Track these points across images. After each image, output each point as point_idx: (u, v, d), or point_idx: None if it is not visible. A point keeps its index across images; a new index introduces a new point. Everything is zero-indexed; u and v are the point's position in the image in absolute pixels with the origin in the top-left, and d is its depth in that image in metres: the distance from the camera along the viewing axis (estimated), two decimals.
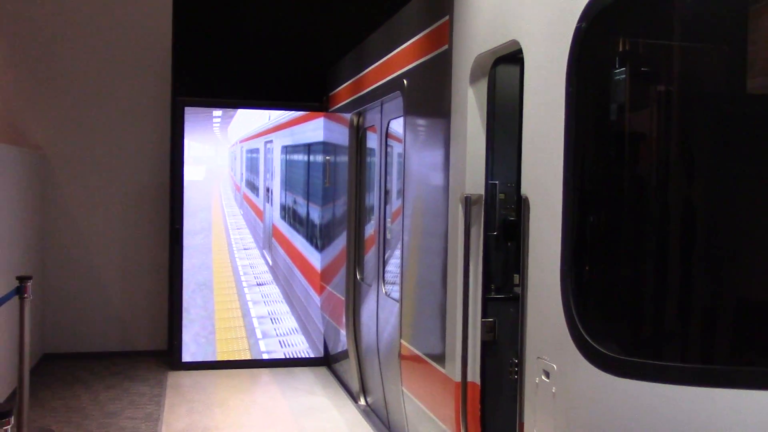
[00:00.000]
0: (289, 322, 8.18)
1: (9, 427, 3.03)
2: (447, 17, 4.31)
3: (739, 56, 2.88)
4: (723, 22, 2.88)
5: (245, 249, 8.30)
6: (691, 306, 2.87)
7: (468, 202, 3.90)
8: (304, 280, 8.18)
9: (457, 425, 3.97)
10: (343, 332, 6.93)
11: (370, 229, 6.45)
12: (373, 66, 6.09)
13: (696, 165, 2.91)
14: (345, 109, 7.07)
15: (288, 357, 8.07)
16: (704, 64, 2.94)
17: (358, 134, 6.81)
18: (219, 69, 8.40)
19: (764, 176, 2.78)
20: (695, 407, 2.61)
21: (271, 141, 8.29)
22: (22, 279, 5.48)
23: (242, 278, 8.19)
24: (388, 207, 5.87)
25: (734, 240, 2.82)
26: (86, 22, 8.39)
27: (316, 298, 8.02)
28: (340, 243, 7.08)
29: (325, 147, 7.90)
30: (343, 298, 6.87)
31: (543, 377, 3.11)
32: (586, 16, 2.90)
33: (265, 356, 8.03)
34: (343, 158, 7.02)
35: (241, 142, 8.27)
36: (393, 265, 5.66)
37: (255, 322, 8.10)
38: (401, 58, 5.27)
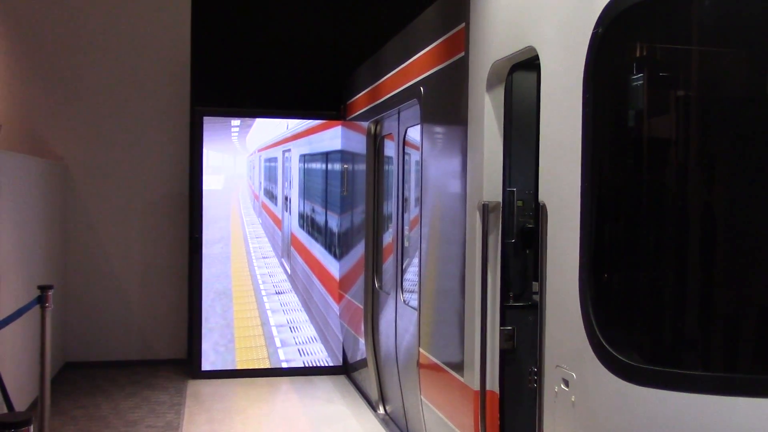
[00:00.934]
0: (308, 330, 8.18)
1: None
2: (463, 24, 4.30)
3: (758, 60, 2.85)
4: (742, 25, 2.85)
5: (264, 258, 8.32)
6: (713, 314, 2.83)
7: (485, 210, 3.88)
8: (322, 288, 8.19)
9: None
10: (361, 340, 6.92)
11: (388, 237, 6.44)
12: (390, 74, 6.10)
13: (716, 171, 2.87)
14: (362, 117, 7.08)
15: (307, 365, 8.07)
16: (723, 69, 2.91)
17: (375, 142, 6.81)
18: (237, 79, 8.45)
19: None
20: (717, 416, 2.58)
21: (289, 150, 8.31)
22: (43, 288, 5.52)
23: (261, 287, 8.21)
24: (406, 215, 5.86)
25: (756, 247, 2.79)
26: (106, 35, 8.46)
27: (335, 307, 8.01)
28: (359, 251, 7.08)
29: (343, 155, 7.91)
30: (362, 307, 6.86)
31: (562, 386, 3.08)
32: (603, 21, 2.88)
33: (284, 365, 8.03)
34: (361, 166, 7.03)
35: (260, 151, 8.30)
36: (411, 273, 5.64)
37: (274, 330, 8.11)
38: (418, 66, 5.27)
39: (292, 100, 8.35)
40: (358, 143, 7.18)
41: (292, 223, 8.37)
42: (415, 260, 5.30)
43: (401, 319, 5.83)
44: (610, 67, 2.98)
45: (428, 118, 5.04)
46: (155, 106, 8.56)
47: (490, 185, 3.95)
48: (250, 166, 8.26)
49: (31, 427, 3.09)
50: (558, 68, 3.17)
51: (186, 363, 8.25)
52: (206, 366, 7.86)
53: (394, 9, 7.68)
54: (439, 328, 4.75)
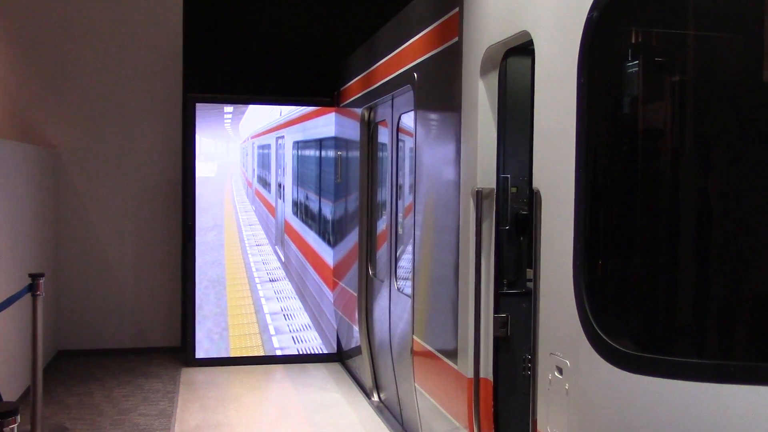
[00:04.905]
0: (302, 318, 8.17)
1: (15, 425, 3.02)
2: (457, 9, 4.26)
3: (756, 45, 2.82)
4: (739, 10, 2.82)
5: (258, 245, 8.29)
6: (707, 301, 2.81)
7: (479, 196, 3.86)
8: (316, 275, 8.16)
9: (470, 422, 3.93)
10: (355, 328, 6.91)
11: (382, 225, 6.41)
12: (383, 60, 6.05)
13: (711, 158, 2.85)
14: (356, 103, 7.03)
15: (301, 353, 8.06)
16: (720, 54, 2.88)
17: (369, 129, 6.77)
18: (230, 65, 8.39)
19: None
20: (711, 404, 2.56)
21: (282, 137, 8.27)
22: (34, 276, 5.49)
23: (255, 274, 8.18)
24: (399, 202, 5.83)
25: (750, 234, 2.76)
26: (98, 20, 8.39)
27: (329, 294, 7.99)
28: (353, 239, 7.05)
29: (337, 142, 7.87)
30: (356, 294, 6.84)
31: (556, 374, 3.07)
32: (598, 5, 2.84)
33: (278, 352, 8.02)
34: (355, 153, 6.99)
35: (253, 137, 8.25)
36: (405, 261, 5.62)
37: (268, 318, 8.09)
38: (411, 52, 5.23)
39: (286, 87, 8.30)
40: (352, 130, 7.14)
41: (286, 210, 8.34)
42: (409, 247, 5.28)
43: (395, 307, 5.81)
44: (605, 52, 2.94)
45: (422, 104, 5.01)
46: (148, 92, 8.50)
47: (484, 171, 3.92)
48: (243, 153, 8.21)
49: (18, 417, 3.06)
50: (552, 53, 3.14)
51: (179, 351, 8.23)
52: (200, 354, 7.84)
53: None
54: (432, 315, 4.73)
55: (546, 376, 3.15)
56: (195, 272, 7.83)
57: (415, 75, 5.08)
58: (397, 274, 5.84)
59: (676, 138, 2.90)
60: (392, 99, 5.93)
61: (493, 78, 3.88)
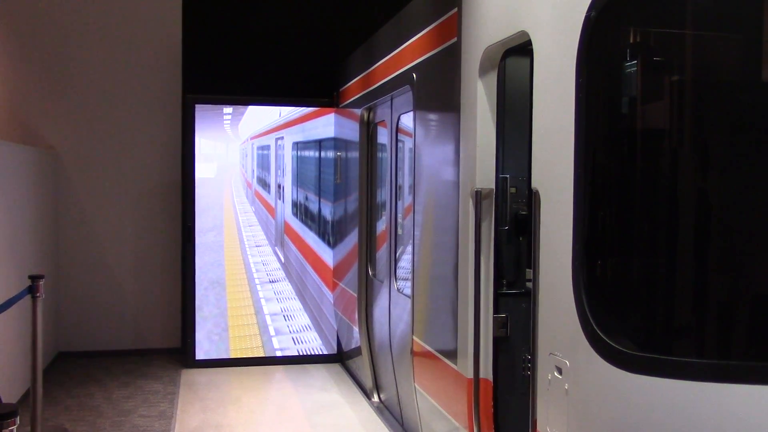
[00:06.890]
0: (302, 318, 8.17)
1: (14, 427, 3.02)
2: (455, 9, 4.26)
3: (754, 45, 2.82)
4: (738, 10, 2.82)
5: (257, 246, 8.29)
6: (706, 300, 2.81)
7: (478, 197, 3.85)
8: (316, 276, 8.16)
9: (470, 422, 3.93)
10: (355, 329, 6.90)
11: (381, 225, 6.41)
12: (382, 60, 6.05)
13: (710, 157, 2.85)
14: (355, 104, 7.03)
15: (301, 354, 8.06)
16: (718, 54, 2.88)
17: (368, 130, 6.77)
18: (229, 66, 8.39)
19: None
20: (710, 404, 2.56)
21: (281, 137, 8.27)
22: (34, 278, 5.48)
23: (255, 275, 8.18)
24: (399, 202, 5.83)
25: (749, 234, 2.76)
26: (97, 21, 8.40)
27: (329, 295, 7.99)
28: (352, 239, 7.05)
29: (336, 143, 7.87)
30: (356, 295, 6.84)
31: (555, 374, 3.06)
32: (596, 5, 2.84)
33: (279, 353, 8.02)
34: (354, 154, 6.99)
35: (252, 138, 8.25)
36: (405, 261, 5.62)
37: (268, 319, 8.09)
38: (410, 52, 5.23)
39: (285, 87, 8.30)
40: (351, 130, 7.14)
41: (286, 211, 8.34)
42: (409, 248, 5.28)
43: (395, 307, 5.81)
44: (603, 52, 2.94)
45: (421, 104, 5.01)
46: (147, 94, 8.50)
47: (483, 172, 3.92)
48: (242, 154, 8.21)
49: (18, 419, 3.06)
50: (551, 53, 3.14)
51: (180, 352, 8.23)
52: (200, 355, 7.84)
53: None
54: (432, 315, 4.73)
55: (545, 376, 3.15)
56: (195, 273, 7.83)
57: (414, 75, 5.08)
58: (397, 274, 5.84)
59: (674, 138, 2.90)
60: (391, 99, 5.93)
61: (492, 78, 3.88)
